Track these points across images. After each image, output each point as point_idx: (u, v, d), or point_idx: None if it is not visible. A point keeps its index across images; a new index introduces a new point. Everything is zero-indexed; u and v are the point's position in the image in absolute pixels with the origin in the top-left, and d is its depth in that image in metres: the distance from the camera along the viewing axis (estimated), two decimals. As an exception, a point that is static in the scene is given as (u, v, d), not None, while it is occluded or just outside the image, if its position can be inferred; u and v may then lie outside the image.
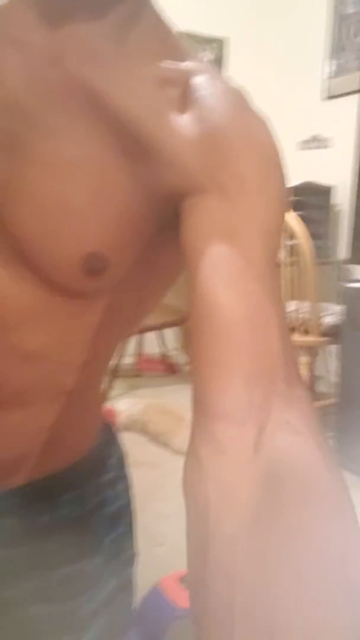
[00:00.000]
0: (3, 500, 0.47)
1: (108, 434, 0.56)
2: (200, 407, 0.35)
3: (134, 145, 0.40)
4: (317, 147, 3.36)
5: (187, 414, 2.48)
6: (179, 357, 3.81)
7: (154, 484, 2.10)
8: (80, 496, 0.50)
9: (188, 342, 0.47)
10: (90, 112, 0.41)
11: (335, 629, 0.22)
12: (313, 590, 0.23)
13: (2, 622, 0.46)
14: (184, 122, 0.39)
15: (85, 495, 0.50)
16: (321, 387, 3.27)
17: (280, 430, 0.31)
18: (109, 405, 2.58)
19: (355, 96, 3.01)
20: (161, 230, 0.44)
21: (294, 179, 3.25)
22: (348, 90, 3.07)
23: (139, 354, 3.73)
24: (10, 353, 0.44)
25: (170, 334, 3.86)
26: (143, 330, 3.06)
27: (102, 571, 0.51)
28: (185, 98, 0.40)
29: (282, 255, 2.50)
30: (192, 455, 0.35)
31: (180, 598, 1.28)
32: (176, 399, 3.05)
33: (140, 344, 3.74)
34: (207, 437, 0.33)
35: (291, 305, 2.55)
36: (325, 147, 3.29)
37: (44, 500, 0.48)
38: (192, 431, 0.35)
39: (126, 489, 0.56)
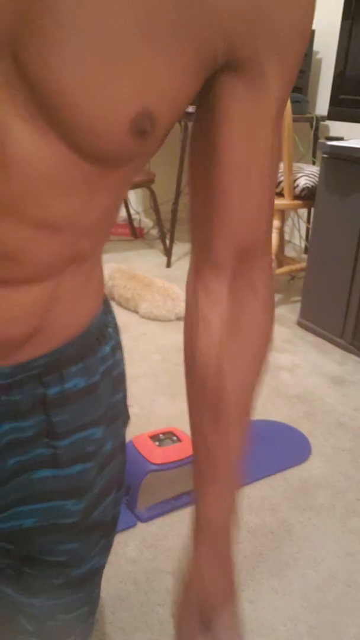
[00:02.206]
0: (13, 374, 0.46)
1: (104, 304, 0.54)
2: (198, 257, 0.47)
3: None
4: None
5: (155, 279, 2.45)
6: (144, 221, 3.69)
7: (124, 347, 2.11)
8: (87, 367, 0.49)
9: (191, 192, 0.47)
10: None
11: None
12: (254, 376, 0.50)
13: (11, 485, 0.48)
14: None
15: (92, 366, 0.50)
16: (290, 252, 3.26)
17: (248, 292, 0.47)
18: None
19: None
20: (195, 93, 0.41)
21: (272, 20, 2.93)
22: None
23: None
24: (32, 225, 0.39)
25: (134, 196, 3.69)
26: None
27: (105, 436, 0.52)
28: None
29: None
30: (191, 295, 0.48)
31: (152, 454, 1.33)
32: (142, 264, 2.99)
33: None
34: (203, 284, 0.47)
35: (264, 166, 2.42)
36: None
37: (52, 373, 0.47)
38: (192, 275, 0.48)
39: (122, 357, 0.56)
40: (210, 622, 0.53)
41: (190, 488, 1.41)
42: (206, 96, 0.42)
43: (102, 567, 0.60)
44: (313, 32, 2.78)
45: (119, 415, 0.55)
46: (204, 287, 0.47)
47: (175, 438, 1.39)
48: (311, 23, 0.43)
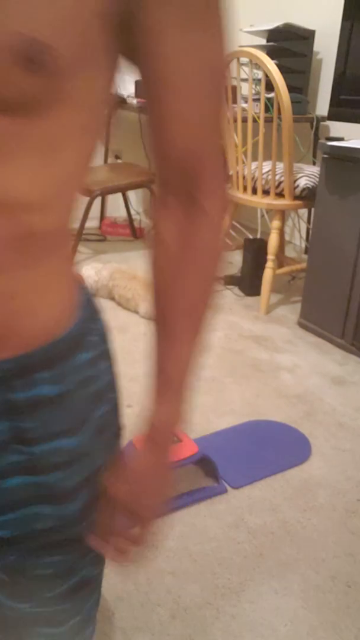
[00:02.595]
0: None
1: (88, 310, 0.51)
2: (158, 183, 0.48)
3: None
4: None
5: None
6: (145, 221, 3.69)
7: (124, 348, 2.11)
8: (59, 375, 0.47)
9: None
10: None
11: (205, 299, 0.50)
12: (203, 295, 0.50)
13: None
14: None
15: (65, 374, 0.48)
16: (290, 252, 3.26)
17: (198, 213, 0.47)
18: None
19: None
20: (114, 36, 0.38)
21: (271, 21, 2.92)
22: None
23: (102, 217, 3.59)
24: None
25: (135, 196, 3.69)
26: (106, 192, 2.90)
27: (88, 448, 0.51)
28: None
29: (257, 109, 2.31)
30: (155, 213, 0.49)
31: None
32: (143, 265, 2.99)
33: (103, 206, 3.58)
34: (161, 207, 0.48)
35: (266, 166, 2.42)
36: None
37: (21, 378, 0.45)
38: (155, 200, 0.49)
39: (109, 367, 0.53)
40: (132, 519, 0.54)
41: (191, 488, 1.41)
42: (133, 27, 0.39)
43: (94, 578, 0.58)
44: (313, 32, 2.78)
45: (107, 428, 0.53)
46: (163, 207, 0.48)
47: (175, 438, 1.39)
48: None
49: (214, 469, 1.43)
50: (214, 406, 1.79)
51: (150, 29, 0.38)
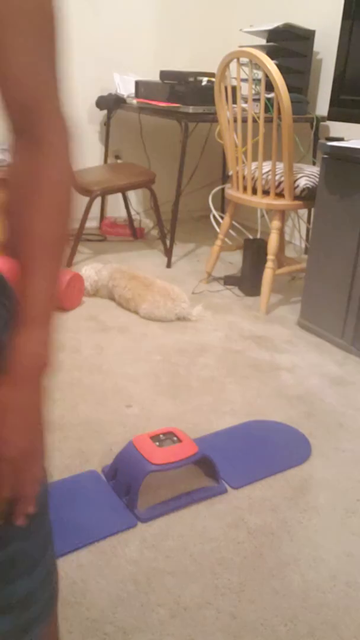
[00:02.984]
0: None
1: None
2: (7, 123, 0.48)
3: None
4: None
5: (155, 279, 2.45)
6: (145, 222, 3.69)
7: (123, 348, 2.11)
8: None
9: None
10: None
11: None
12: (50, 215, 0.49)
13: None
14: None
15: None
16: (290, 252, 3.26)
17: (43, 151, 0.48)
18: (74, 270, 2.50)
19: None
20: None
21: (271, 21, 2.92)
22: None
23: (102, 217, 3.59)
24: None
25: (135, 197, 3.69)
26: (106, 192, 2.90)
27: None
28: None
29: (257, 109, 2.31)
30: (10, 156, 0.50)
31: (153, 455, 1.33)
32: (142, 265, 2.99)
33: (104, 206, 3.58)
34: (14, 146, 0.49)
35: (265, 166, 2.42)
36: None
37: None
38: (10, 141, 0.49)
39: (8, 319, 0.53)
40: None
41: (191, 488, 1.41)
42: None
43: (29, 555, 0.55)
44: (313, 32, 2.78)
45: None
46: (13, 151, 0.49)
47: (175, 438, 1.39)
48: None
49: (213, 469, 1.43)
50: (214, 406, 1.79)
51: None
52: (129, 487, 1.35)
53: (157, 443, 1.37)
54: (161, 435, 1.40)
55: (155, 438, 1.38)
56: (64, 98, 0.48)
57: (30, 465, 0.51)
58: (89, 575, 1.17)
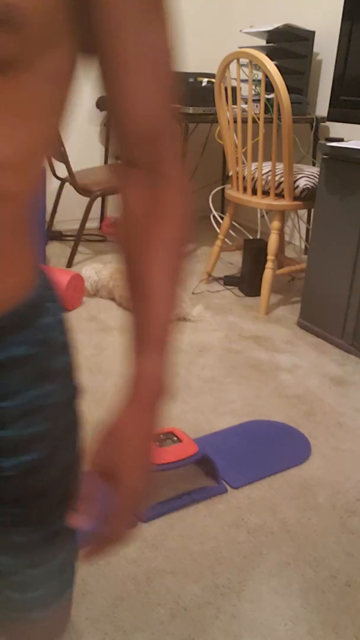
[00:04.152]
0: None
1: (44, 278, 0.55)
2: (124, 156, 0.50)
3: None
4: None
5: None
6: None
7: (124, 348, 2.12)
8: (27, 337, 0.51)
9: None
10: None
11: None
12: (175, 254, 0.51)
13: None
14: None
15: (32, 335, 0.51)
16: (290, 253, 3.26)
17: (165, 183, 0.50)
18: (74, 270, 2.51)
19: None
20: (75, 19, 0.41)
21: (271, 22, 2.92)
22: None
23: (103, 218, 3.59)
24: None
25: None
26: (107, 193, 2.90)
27: (56, 399, 0.55)
28: None
29: (257, 110, 2.32)
30: (121, 187, 0.52)
31: (155, 455, 1.33)
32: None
33: (104, 206, 3.59)
34: (128, 177, 0.51)
35: (265, 167, 2.42)
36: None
37: None
38: (118, 170, 0.52)
39: (64, 331, 0.57)
40: (113, 487, 0.50)
41: (191, 488, 1.41)
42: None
43: (64, 531, 0.61)
44: (313, 33, 2.78)
45: (65, 387, 0.56)
46: (125, 180, 0.51)
47: (175, 438, 1.39)
48: None
49: (214, 469, 1.44)
50: (214, 406, 1.79)
51: (108, 15, 0.43)
52: (129, 487, 1.35)
53: (157, 443, 1.37)
54: (161, 435, 1.40)
55: (155, 438, 1.39)
56: (175, 125, 0.50)
57: (146, 493, 0.52)
58: (89, 575, 1.18)
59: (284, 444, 1.63)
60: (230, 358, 2.10)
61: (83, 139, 3.35)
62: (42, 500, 0.58)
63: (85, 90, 3.22)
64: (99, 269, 2.55)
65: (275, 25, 2.75)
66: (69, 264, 2.89)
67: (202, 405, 1.79)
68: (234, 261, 3.11)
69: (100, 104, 3.20)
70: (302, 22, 2.85)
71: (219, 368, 2.02)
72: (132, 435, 0.50)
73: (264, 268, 2.44)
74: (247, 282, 2.65)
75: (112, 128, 0.50)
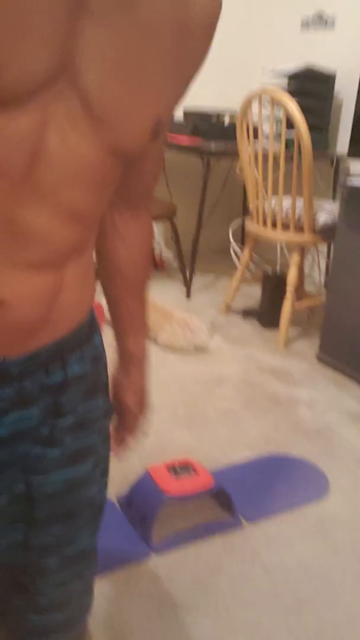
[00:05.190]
0: (24, 363, 0.52)
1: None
2: (118, 201, 0.64)
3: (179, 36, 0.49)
4: (322, 28, 3.07)
5: (174, 310, 2.47)
6: (165, 252, 3.74)
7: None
8: (82, 356, 0.58)
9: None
10: None
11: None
12: (146, 264, 0.72)
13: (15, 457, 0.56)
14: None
15: (85, 354, 0.59)
16: (309, 286, 3.27)
17: (142, 217, 0.68)
18: (95, 299, 2.54)
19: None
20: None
21: (294, 63, 3.00)
22: None
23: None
24: (60, 213, 0.47)
25: (156, 228, 3.75)
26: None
27: (101, 412, 0.63)
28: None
29: (279, 147, 2.36)
30: (109, 220, 0.66)
31: (168, 485, 1.32)
32: (162, 295, 3.02)
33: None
34: (118, 213, 0.66)
35: (286, 201, 2.46)
36: (332, 26, 3.01)
37: (56, 361, 0.55)
38: (109, 211, 0.65)
39: (104, 348, 0.66)
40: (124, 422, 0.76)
41: (206, 521, 1.40)
42: None
43: (93, 549, 0.69)
44: (334, 74, 2.85)
45: (107, 396, 0.68)
46: (119, 215, 0.66)
47: (191, 469, 1.38)
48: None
49: (229, 502, 1.42)
50: (231, 438, 1.78)
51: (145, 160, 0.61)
52: (143, 517, 1.34)
53: (173, 473, 1.36)
54: (177, 466, 1.39)
55: (171, 468, 1.38)
56: None
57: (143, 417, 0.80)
58: (100, 606, 1.16)
59: (301, 479, 1.61)
60: (248, 390, 2.09)
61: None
62: (78, 518, 0.62)
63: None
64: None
65: (297, 66, 2.82)
66: (90, 293, 2.92)
67: (218, 437, 1.78)
68: (253, 293, 3.12)
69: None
70: (324, 62, 2.92)
71: (237, 400, 2.02)
72: (137, 383, 0.77)
73: (283, 301, 2.45)
74: (266, 314, 2.65)
75: (124, 190, 0.63)
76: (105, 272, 0.70)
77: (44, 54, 0.41)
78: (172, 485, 1.32)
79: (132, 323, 0.73)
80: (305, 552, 1.34)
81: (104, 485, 0.67)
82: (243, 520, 1.43)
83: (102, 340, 0.64)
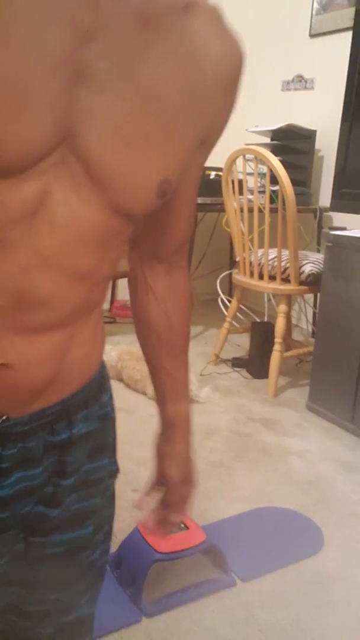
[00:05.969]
0: (29, 422, 0.51)
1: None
2: (146, 253, 0.65)
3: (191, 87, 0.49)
4: (302, 88, 3.23)
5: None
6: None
7: (131, 430, 2.09)
8: (88, 414, 0.57)
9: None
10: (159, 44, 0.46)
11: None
12: (186, 323, 0.69)
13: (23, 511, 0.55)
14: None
15: (92, 413, 0.58)
16: (297, 336, 3.29)
17: (176, 271, 0.67)
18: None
19: (344, 34, 2.88)
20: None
21: (276, 122, 3.13)
22: (336, 27, 2.93)
23: (113, 300, 3.68)
24: (64, 275, 0.47)
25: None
26: (117, 276, 2.99)
27: (106, 472, 0.62)
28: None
29: (263, 201, 2.44)
30: (140, 276, 0.66)
31: (160, 543, 1.29)
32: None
33: (114, 290, 3.68)
34: (149, 268, 0.66)
35: (271, 253, 2.51)
36: (312, 88, 3.17)
37: (62, 420, 0.54)
38: (138, 265, 0.66)
39: (114, 407, 0.65)
40: (167, 498, 0.70)
41: (199, 580, 1.35)
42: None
43: (90, 618, 0.67)
44: (314, 132, 2.98)
45: (115, 455, 0.66)
46: (150, 270, 0.65)
47: (182, 525, 1.35)
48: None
49: (222, 560, 1.38)
50: (223, 492, 1.74)
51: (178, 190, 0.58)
52: (134, 578, 1.29)
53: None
54: (168, 522, 1.35)
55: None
56: None
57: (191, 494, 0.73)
58: None
59: (295, 533, 1.57)
60: (239, 441, 2.07)
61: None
62: (77, 584, 0.61)
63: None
64: (107, 350, 2.57)
65: (279, 125, 2.94)
66: (79, 344, 2.92)
67: (210, 490, 1.75)
68: (241, 343, 3.13)
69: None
70: (304, 121, 3.06)
71: (227, 451, 1.99)
72: (182, 454, 0.70)
73: (271, 350, 2.46)
74: (255, 364, 2.66)
75: (151, 240, 0.64)
76: (140, 331, 0.68)
77: (45, 125, 0.41)
78: (163, 542, 1.29)
79: (172, 387, 0.69)
80: (300, 610, 1.29)
81: (105, 550, 0.64)
82: (237, 579, 1.38)
83: (111, 398, 0.62)
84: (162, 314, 0.66)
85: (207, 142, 0.55)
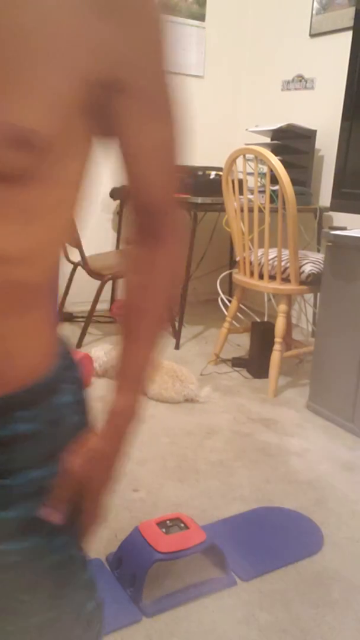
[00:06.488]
0: None
1: (66, 360, 0.58)
2: (134, 224, 0.59)
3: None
4: (302, 88, 3.23)
5: (164, 361, 2.47)
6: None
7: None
8: (35, 415, 0.53)
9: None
10: None
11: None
12: (163, 298, 0.61)
13: None
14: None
15: (41, 414, 0.54)
16: (297, 335, 3.29)
17: (161, 247, 0.59)
18: (84, 351, 2.54)
19: (344, 34, 2.88)
20: (90, 123, 0.47)
21: (276, 122, 3.14)
22: (336, 27, 2.93)
23: (113, 300, 3.68)
24: None
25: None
26: (117, 276, 2.99)
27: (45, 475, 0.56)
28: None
29: (264, 201, 2.43)
30: (130, 247, 0.60)
31: (159, 542, 1.29)
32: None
33: (114, 290, 3.68)
34: (135, 241, 0.60)
35: (272, 253, 2.51)
36: (312, 87, 3.17)
37: (3, 415, 0.51)
38: (129, 236, 0.60)
39: (81, 412, 0.60)
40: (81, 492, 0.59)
41: (198, 580, 1.35)
42: (105, 116, 0.49)
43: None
44: (315, 132, 2.98)
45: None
46: (134, 244, 0.60)
47: (182, 525, 1.35)
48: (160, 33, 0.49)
49: (222, 559, 1.38)
50: (223, 491, 1.74)
51: (119, 119, 0.49)
52: (134, 578, 1.29)
53: (164, 530, 1.33)
54: (168, 521, 1.36)
55: (161, 524, 1.34)
56: (178, 202, 0.59)
57: (103, 498, 0.61)
58: None
59: (295, 533, 1.57)
60: (239, 441, 2.07)
61: (97, 225, 3.50)
62: (38, 591, 0.57)
63: (101, 181, 3.41)
64: (108, 349, 2.58)
65: (279, 125, 2.95)
66: (79, 344, 2.93)
67: (210, 490, 1.75)
68: (241, 343, 3.13)
69: (114, 194, 3.38)
70: (305, 121, 3.06)
71: (228, 451, 1.99)
72: (99, 455, 0.59)
73: (271, 350, 2.46)
74: (255, 364, 2.66)
75: (127, 201, 0.58)
76: (124, 314, 0.62)
77: None
78: (163, 542, 1.29)
79: (121, 372, 0.61)
80: (301, 611, 1.30)
81: (69, 559, 0.60)
82: (236, 578, 1.38)
83: (71, 404, 0.57)
84: (136, 286, 0.60)
85: (119, 86, 0.46)
